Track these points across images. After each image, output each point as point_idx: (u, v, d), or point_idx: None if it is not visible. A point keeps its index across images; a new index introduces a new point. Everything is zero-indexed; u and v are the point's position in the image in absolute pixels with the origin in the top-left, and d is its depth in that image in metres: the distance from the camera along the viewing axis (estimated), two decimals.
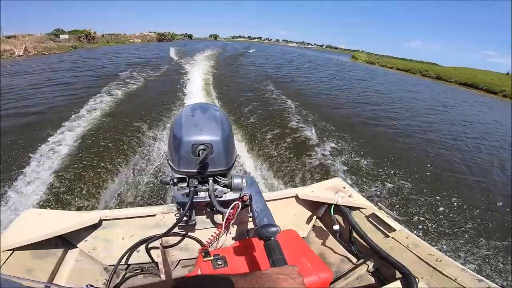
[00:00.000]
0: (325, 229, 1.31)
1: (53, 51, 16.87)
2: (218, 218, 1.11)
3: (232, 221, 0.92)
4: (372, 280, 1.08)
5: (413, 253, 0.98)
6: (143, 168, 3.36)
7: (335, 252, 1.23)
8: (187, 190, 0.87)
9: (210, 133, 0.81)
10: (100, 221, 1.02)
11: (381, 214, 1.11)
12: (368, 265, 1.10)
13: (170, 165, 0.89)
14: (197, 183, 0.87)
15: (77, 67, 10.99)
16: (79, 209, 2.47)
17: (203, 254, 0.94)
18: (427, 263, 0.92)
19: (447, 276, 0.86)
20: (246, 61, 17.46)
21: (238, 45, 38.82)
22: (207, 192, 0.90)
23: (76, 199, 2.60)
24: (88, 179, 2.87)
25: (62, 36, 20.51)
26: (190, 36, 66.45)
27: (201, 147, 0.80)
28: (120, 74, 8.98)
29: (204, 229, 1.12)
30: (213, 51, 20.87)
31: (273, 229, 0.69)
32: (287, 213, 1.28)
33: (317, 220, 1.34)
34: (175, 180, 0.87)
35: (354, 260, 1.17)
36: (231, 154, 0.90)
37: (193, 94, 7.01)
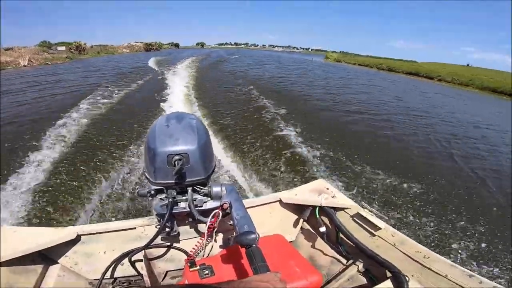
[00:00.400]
0: (313, 231, 1.31)
1: (54, 62, 19.22)
2: (201, 227, 1.10)
3: (216, 230, 0.93)
4: (363, 280, 1.08)
5: (400, 251, 0.99)
6: (123, 181, 3.32)
7: (325, 254, 1.23)
8: (167, 202, 0.88)
9: (185, 142, 0.82)
10: (79, 236, 1.02)
11: (365, 213, 1.12)
12: (358, 266, 1.10)
13: (146, 177, 0.89)
14: (175, 193, 0.89)
15: (103, 68, 14.71)
16: (55, 225, 2.39)
17: (189, 264, 0.94)
18: (416, 261, 0.93)
19: (437, 273, 0.87)
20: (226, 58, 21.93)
21: (223, 52, 40.97)
22: (187, 202, 0.90)
23: (52, 216, 2.58)
24: (64, 195, 2.85)
25: (59, 48, 23.18)
26: (176, 45, 67.14)
27: (177, 157, 0.80)
28: (126, 72, 12.37)
29: (188, 239, 1.13)
30: (197, 56, 23.91)
31: (252, 236, 0.70)
32: (272, 218, 1.29)
33: (304, 223, 1.35)
34: (152, 192, 0.88)
35: (344, 261, 1.17)
36: (209, 163, 0.91)
37: (174, 90, 8.46)
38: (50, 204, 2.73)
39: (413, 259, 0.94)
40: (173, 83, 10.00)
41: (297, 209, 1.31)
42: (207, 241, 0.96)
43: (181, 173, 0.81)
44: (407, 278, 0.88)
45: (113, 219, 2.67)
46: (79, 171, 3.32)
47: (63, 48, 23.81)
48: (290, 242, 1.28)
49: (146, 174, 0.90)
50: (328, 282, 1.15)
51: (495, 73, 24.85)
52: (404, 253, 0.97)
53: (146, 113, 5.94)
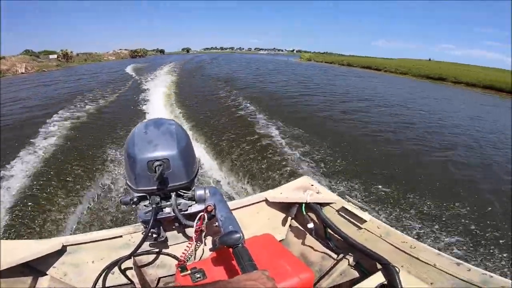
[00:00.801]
0: (302, 228, 1.33)
1: (49, 69, 21.42)
2: (189, 231, 1.10)
3: (205, 233, 0.94)
4: (355, 273, 1.10)
5: (388, 242, 1.01)
6: (108, 189, 3.26)
7: (315, 250, 1.25)
8: (151, 208, 0.88)
9: (165, 148, 0.83)
10: (64, 247, 1.01)
11: (350, 207, 1.14)
12: (349, 259, 1.12)
13: (128, 185, 0.89)
14: (159, 199, 0.89)
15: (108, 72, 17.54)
16: (38, 237, 2.32)
17: (180, 269, 0.94)
18: (403, 251, 0.95)
19: (425, 262, 0.89)
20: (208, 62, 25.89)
21: (206, 56, 43.12)
22: (171, 207, 0.91)
23: (33, 228, 2.53)
24: (47, 207, 2.78)
25: (51, 56, 25.71)
26: (162, 51, 68.45)
27: (157, 163, 0.80)
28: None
29: (177, 244, 1.13)
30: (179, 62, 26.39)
31: (236, 235, 0.71)
32: (260, 217, 1.30)
33: (293, 220, 1.36)
34: (134, 200, 0.88)
35: (334, 256, 1.19)
36: (191, 166, 0.92)
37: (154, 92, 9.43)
38: (30, 216, 2.65)
39: (400, 250, 0.97)
40: (154, 84, 11.20)
41: (284, 207, 1.33)
42: (196, 244, 1.01)
43: (163, 178, 0.82)
44: (397, 269, 0.91)
45: (97, 228, 2.61)
46: (60, 181, 3.24)
47: (55, 56, 26.30)
48: (280, 240, 1.33)
49: (128, 182, 0.89)
50: (321, 278, 1.18)
51: (447, 65, 28.86)
52: (391, 244, 1.00)
53: (126, 119, 6.17)
